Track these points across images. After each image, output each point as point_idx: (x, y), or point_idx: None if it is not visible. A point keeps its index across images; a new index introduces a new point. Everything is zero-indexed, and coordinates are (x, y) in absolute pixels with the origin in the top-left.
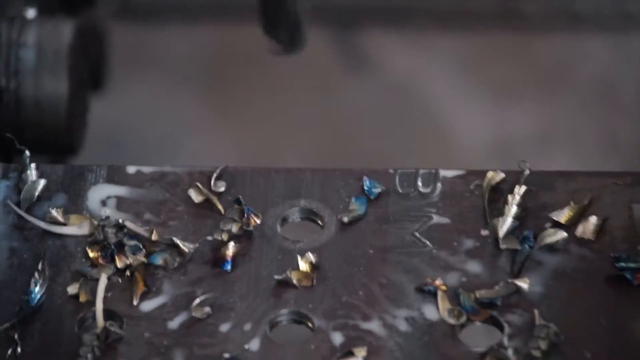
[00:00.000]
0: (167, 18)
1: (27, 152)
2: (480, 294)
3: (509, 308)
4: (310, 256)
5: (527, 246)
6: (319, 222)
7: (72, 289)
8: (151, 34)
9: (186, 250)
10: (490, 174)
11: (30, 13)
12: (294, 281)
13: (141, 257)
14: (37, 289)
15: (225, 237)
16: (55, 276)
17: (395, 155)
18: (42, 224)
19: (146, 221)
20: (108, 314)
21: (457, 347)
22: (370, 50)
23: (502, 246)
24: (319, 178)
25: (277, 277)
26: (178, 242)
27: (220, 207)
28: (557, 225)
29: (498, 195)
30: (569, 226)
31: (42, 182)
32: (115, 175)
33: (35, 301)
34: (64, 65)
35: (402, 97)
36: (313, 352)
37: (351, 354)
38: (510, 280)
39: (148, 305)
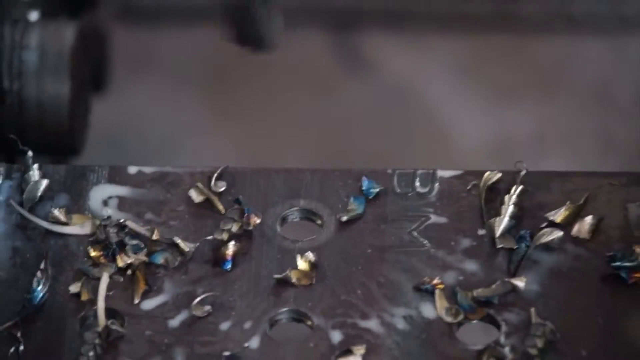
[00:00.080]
0: (168, 20)
1: (30, 153)
2: (477, 292)
3: (506, 306)
4: (310, 255)
5: (523, 245)
6: (318, 222)
7: (74, 288)
8: (152, 35)
9: (187, 249)
10: (487, 174)
11: (33, 15)
12: (294, 280)
13: (142, 257)
14: (39, 287)
15: (225, 236)
16: (58, 275)
17: (393, 156)
18: (45, 224)
19: (147, 221)
20: (109, 313)
21: (455, 345)
22: (369, 52)
23: (499, 245)
24: (318, 178)
25: (276, 276)
26: (179, 241)
27: (220, 207)
28: (553, 224)
29: (495, 195)
30: (565, 226)
31: (44, 182)
32: (116, 176)
33: (38, 300)
34: (66, 67)
35: (401, 99)
36: (312, 350)
37: (350, 352)
38: (506, 279)
39: (149, 304)
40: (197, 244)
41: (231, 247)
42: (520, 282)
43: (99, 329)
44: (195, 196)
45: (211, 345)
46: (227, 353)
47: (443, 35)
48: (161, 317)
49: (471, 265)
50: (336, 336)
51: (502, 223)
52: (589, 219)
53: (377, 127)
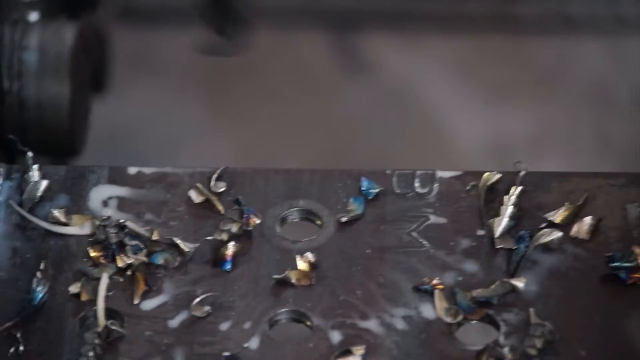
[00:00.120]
0: (169, 21)
1: (30, 153)
2: (477, 293)
3: (505, 307)
4: (309, 256)
5: (522, 246)
6: (318, 222)
7: (73, 288)
8: (152, 36)
9: (186, 250)
10: (486, 174)
11: (33, 16)
12: (293, 280)
13: (142, 257)
14: (39, 288)
15: (225, 237)
16: (58, 275)
17: (392, 156)
18: (45, 224)
19: (147, 221)
20: (109, 313)
21: (454, 346)
22: (368, 52)
23: (498, 246)
24: (318, 179)
25: (276, 276)
26: (178, 242)
27: (220, 207)
28: (552, 225)
29: (494, 195)
30: (564, 226)
31: (44, 183)
32: (116, 176)
33: (38, 300)
34: (66, 67)
35: (400, 99)
36: (311, 350)
37: (349, 352)
38: (506, 280)
39: (149, 304)
40: (197, 245)
41: (231, 248)
42: (519, 283)
43: (99, 329)
44: (195, 197)
45: (211, 345)
46: (226, 353)
47: (442, 36)
48: (161, 317)
49: (470, 266)
50: (336, 336)
51: (501, 223)
52: (588, 220)
53: (377, 127)
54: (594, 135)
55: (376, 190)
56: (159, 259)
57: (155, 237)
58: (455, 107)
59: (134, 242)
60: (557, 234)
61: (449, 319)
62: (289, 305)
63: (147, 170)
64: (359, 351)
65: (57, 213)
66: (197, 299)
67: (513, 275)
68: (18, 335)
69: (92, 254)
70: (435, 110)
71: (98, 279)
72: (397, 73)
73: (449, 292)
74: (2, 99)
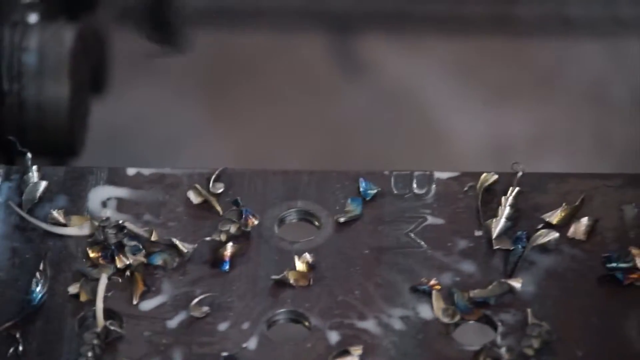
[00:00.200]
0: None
1: (29, 154)
2: (474, 293)
3: (502, 307)
4: (307, 256)
5: (519, 246)
6: (316, 223)
7: (73, 289)
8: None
9: (185, 250)
10: (483, 175)
11: (33, 18)
12: (291, 281)
13: (141, 258)
14: (38, 288)
15: (223, 237)
16: (57, 276)
17: (390, 158)
18: (44, 225)
19: (146, 222)
20: (108, 313)
21: (451, 346)
22: (367, 54)
23: (496, 246)
24: (316, 180)
25: (274, 277)
26: (177, 242)
27: (218, 208)
28: (549, 226)
29: (491, 196)
30: (561, 227)
31: (43, 184)
32: (115, 177)
33: (37, 300)
34: (66, 68)
35: (398, 100)
36: (310, 351)
37: (347, 352)
38: (503, 280)
39: (148, 305)
40: (196, 245)
41: (229, 248)
42: (516, 283)
43: (98, 329)
44: (194, 197)
45: (209, 345)
46: (225, 353)
47: (440, 38)
48: (160, 317)
49: (468, 266)
50: (333, 337)
51: (498, 224)
52: (584, 221)
53: (375, 128)
54: (592, 136)
55: (374, 191)
56: (158, 260)
57: (154, 237)
58: (453, 108)
59: (133, 243)
60: (554, 235)
61: (446, 320)
62: (287, 306)
63: (146, 171)
64: (356, 351)
65: (56, 214)
66: (196, 300)
67: (510, 275)
68: (17, 335)
69: (91, 254)
70: (433, 111)
71: (97, 280)
72: (396, 74)
73: (447, 293)
74: (2, 100)
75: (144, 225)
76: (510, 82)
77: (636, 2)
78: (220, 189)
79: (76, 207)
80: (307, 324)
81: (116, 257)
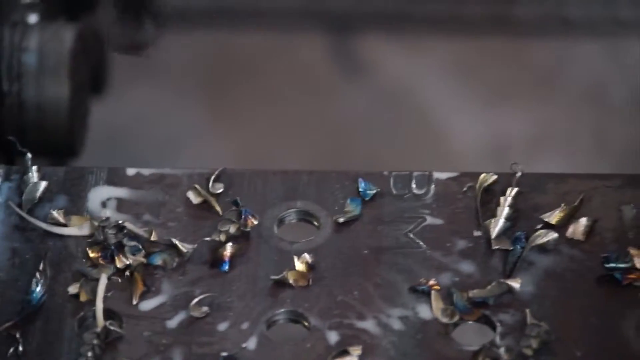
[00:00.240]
0: (169, 23)
1: (29, 155)
2: (473, 293)
3: (501, 307)
4: (307, 257)
5: (518, 247)
6: (315, 223)
7: (72, 289)
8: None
9: (185, 250)
10: (482, 176)
11: (32, 18)
12: (291, 281)
13: (141, 258)
14: (38, 288)
15: (223, 237)
16: (56, 276)
17: (390, 158)
18: (44, 225)
19: (146, 222)
20: (108, 313)
21: (450, 346)
22: (367, 54)
23: (495, 247)
24: (315, 180)
25: (274, 277)
26: (177, 242)
27: (218, 208)
28: (548, 226)
29: (490, 196)
30: (560, 227)
31: (43, 184)
32: (115, 177)
33: (37, 300)
34: (66, 69)
35: (397, 101)
36: (309, 351)
37: (346, 352)
38: (502, 280)
39: (147, 305)
40: (195, 245)
41: (229, 249)
42: (515, 283)
43: (98, 329)
44: (194, 198)
45: (209, 345)
46: (224, 353)
47: (440, 38)
48: (159, 317)
49: (467, 267)
50: (333, 337)
51: (497, 224)
52: (583, 221)
53: (374, 129)
54: (591, 136)
55: (373, 192)
56: (158, 260)
57: (153, 237)
58: (453, 109)
59: (133, 243)
60: (553, 235)
61: (445, 320)
62: (286, 306)
63: (146, 171)
64: (356, 351)
65: (56, 214)
66: (196, 300)
67: (509, 276)
68: (17, 335)
69: (91, 254)
70: (433, 111)
71: (97, 280)
72: (395, 75)
73: (446, 293)
74: (2, 100)
75: (144, 226)
76: (510, 82)
77: (635, 3)
78: (219, 189)
79: (76, 207)
80: (306, 324)
81: (116, 257)
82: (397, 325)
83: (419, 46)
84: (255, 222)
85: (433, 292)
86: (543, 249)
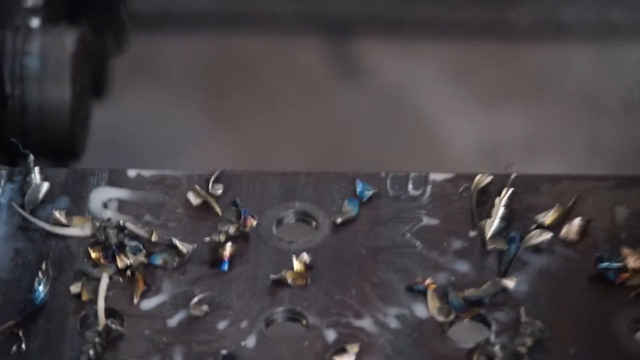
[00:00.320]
0: (169, 27)
1: (32, 156)
2: (469, 292)
3: (496, 306)
4: (305, 256)
5: (513, 247)
6: (313, 224)
7: (74, 288)
8: (152, 42)
9: (185, 250)
10: (478, 177)
11: (35, 22)
12: (289, 280)
13: (141, 257)
14: (41, 288)
15: (222, 238)
16: (59, 276)
17: (387, 159)
18: (46, 226)
19: (146, 223)
20: (109, 312)
21: (446, 344)
22: (364, 58)
23: (490, 247)
24: (313, 181)
25: (272, 276)
26: (177, 242)
27: (217, 209)
28: (542, 226)
29: (486, 197)
30: (554, 227)
31: (45, 185)
32: (116, 179)
33: (39, 300)
34: (67, 72)
35: (394, 104)
36: (307, 349)
37: (344, 350)
38: (497, 280)
39: (148, 304)
40: (195, 245)
41: (228, 248)
42: (510, 283)
43: (99, 328)
44: (193, 199)
45: (209, 344)
46: (224, 351)
47: (435, 42)
48: (160, 316)
49: (462, 266)
50: (331, 335)
51: (492, 225)
52: (577, 221)
53: (371, 131)
54: (584, 139)
55: (370, 193)
56: (158, 260)
57: (154, 238)
58: (449, 111)
59: (134, 243)
60: (547, 235)
61: (441, 318)
62: (285, 305)
63: (147, 172)
64: (353, 349)
65: (58, 214)
66: (195, 299)
67: (504, 275)
68: (20, 333)
69: (93, 254)
70: (429, 114)
71: (98, 279)
72: (392, 78)
73: (442, 292)
74: (5, 103)
75: (145, 226)
76: (505, 85)
77: (627, 8)
78: (219, 190)
79: (78, 208)
80: (304, 322)
81: (117, 257)
82: (393, 323)
83: (416, 50)
84: (254, 223)
85: (429, 291)
86: (537, 248)
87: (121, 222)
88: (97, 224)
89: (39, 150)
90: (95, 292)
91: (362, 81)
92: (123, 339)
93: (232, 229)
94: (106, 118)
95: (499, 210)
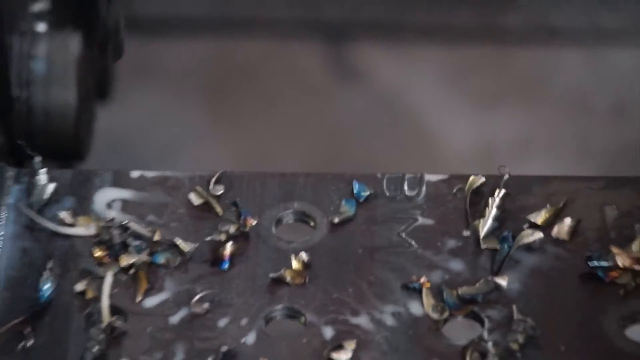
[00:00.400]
0: (170, 31)
1: (38, 158)
2: (462, 290)
3: (489, 304)
4: (303, 255)
5: (506, 246)
6: (311, 224)
7: (79, 286)
8: (155, 46)
9: (187, 249)
10: (472, 178)
11: (41, 27)
12: (288, 279)
13: (144, 256)
14: (47, 286)
15: (223, 237)
16: (64, 274)
17: (383, 161)
18: (52, 225)
19: (149, 222)
20: (113, 310)
21: (441, 341)
22: (361, 61)
23: (483, 246)
24: (312, 182)
25: (272, 275)
26: (179, 242)
27: (218, 209)
28: (534, 226)
29: (479, 198)
30: (545, 227)
31: (51, 186)
32: (120, 180)
33: (46, 297)
34: (73, 76)
35: (390, 106)
36: (305, 346)
37: (341, 347)
38: (490, 278)
39: (151, 302)
40: (197, 245)
41: (229, 248)
42: (502, 281)
43: (104, 325)
44: (195, 199)
45: (209, 340)
46: (224, 348)
47: (431, 46)
48: (162, 314)
49: (456, 265)
50: (328, 332)
51: (486, 225)
52: (568, 221)
53: (368, 133)
54: (575, 141)
55: (367, 193)
56: (161, 259)
57: (156, 237)
58: (443, 114)
59: (137, 242)
60: (539, 235)
61: (436, 316)
62: (284, 303)
63: (149, 173)
64: (350, 346)
65: (64, 215)
66: (197, 297)
67: (497, 273)
68: (27, 330)
69: (97, 253)
70: (424, 116)
71: (102, 278)
72: (389, 81)
73: (436, 290)
74: (12, 106)
75: (148, 226)
76: (498, 89)
77: (617, 14)
78: (220, 191)
79: (83, 208)
80: (303, 320)
81: (121, 256)
82: (389, 321)
83: (411, 54)
84: (254, 223)
85: (424, 290)
86: (529, 248)
87: (125, 222)
88: (102, 223)
89: (44, 152)
90: (99, 290)
91: (360, 84)
92: (126, 336)
93: (232, 229)
94: (110, 120)
95: (492, 211)
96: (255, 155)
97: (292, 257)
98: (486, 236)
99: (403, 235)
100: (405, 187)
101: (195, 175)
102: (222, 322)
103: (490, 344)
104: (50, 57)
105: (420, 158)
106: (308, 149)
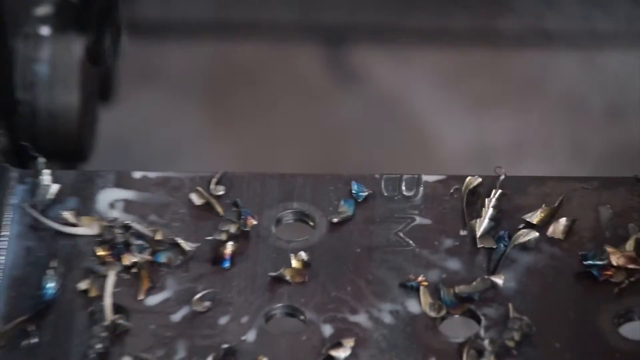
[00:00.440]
0: (171, 35)
1: (42, 159)
2: (459, 289)
3: (486, 302)
4: (302, 255)
5: (502, 245)
6: (311, 223)
7: (82, 285)
8: (156, 49)
9: (188, 249)
10: (468, 178)
11: (45, 30)
12: (287, 278)
13: (146, 256)
14: (50, 285)
15: (224, 237)
16: (67, 273)
17: (381, 162)
18: (55, 225)
19: (151, 222)
20: (116, 308)
21: (438, 338)
22: (359, 65)
23: (479, 245)
24: (311, 183)
25: (271, 274)
26: (180, 241)
27: (219, 209)
28: (529, 226)
29: (476, 198)
30: (541, 227)
31: (55, 187)
32: (122, 180)
33: (49, 296)
34: (76, 78)
35: (388, 109)
36: (305, 343)
37: (340, 344)
38: (486, 277)
39: (153, 300)
40: (198, 244)
41: (229, 247)
42: (499, 280)
43: (106, 323)
44: (196, 199)
45: (210, 338)
46: (225, 345)
47: (428, 49)
48: (164, 312)
49: (453, 264)
50: (327, 330)
51: (482, 224)
52: (563, 221)
53: (366, 135)
54: (569, 142)
55: (365, 193)
56: (162, 258)
57: (158, 237)
58: (440, 116)
59: (139, 242)
60: (534, 234)
61: (433, 314)
62: (283, 301)
63: (151, 174)
64: (349, 343)
65: (67, 215)
66: (198, 295)
67: (493, 272)
68: (31, 328)
69: (100, 253)
70: (422, 118)
71: (105, 277)
72: (386, 84)
73: (434, 289)
74: (16, 108)
75: (150, 225)
76: (494, 91)
77: (611, 17)
78: (220, 191)
79: (86, 208)
80: (302, 318)
81: (123, 255)
82: (387, 319)
83: (409, 57)
84: (254, 222)
85: (421, 288)
86: (525, 247)
87: (127, 222)
88: (104, 223)
89: (48, 153)
90: (102, 288)
91: (358, 87)
92: (129, 334)
93: (233, 229)
94: (113, 122)
95: (488, 211)
96: (255, 156)
97: (292, 256)
98: (482, 235)
99: (401, 234)
100: (403, 188)
101: (196, 176)
102: (223, 320)
103: (486, 342)
104: (53, 60)
105: (418, 159)
106: (307, 150)
